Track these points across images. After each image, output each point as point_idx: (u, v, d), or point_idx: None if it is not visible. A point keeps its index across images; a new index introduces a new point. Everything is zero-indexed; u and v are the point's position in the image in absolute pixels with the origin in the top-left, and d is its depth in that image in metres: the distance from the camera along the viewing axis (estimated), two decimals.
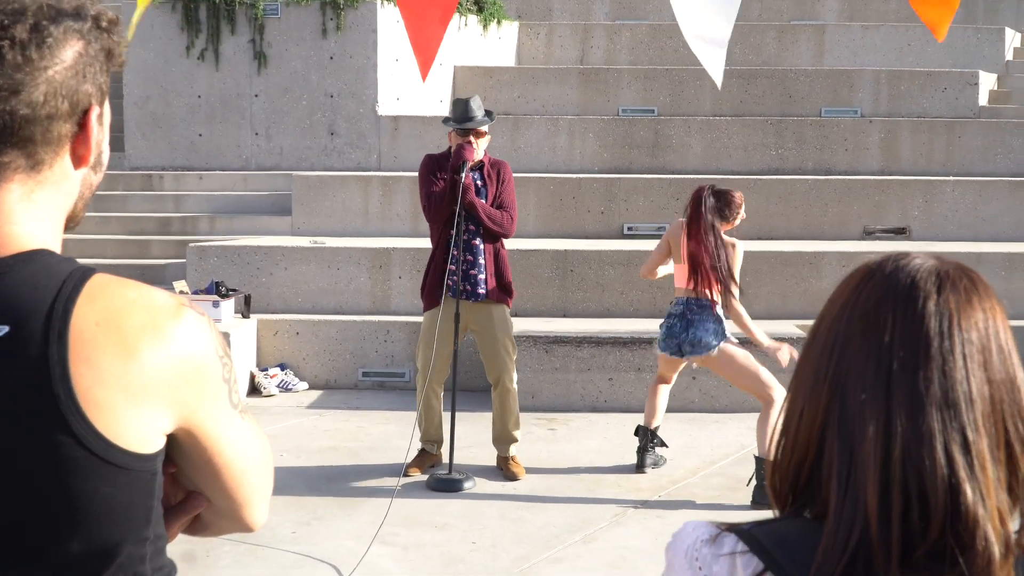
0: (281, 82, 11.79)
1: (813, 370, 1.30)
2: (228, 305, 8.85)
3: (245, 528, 1.63)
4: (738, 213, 6.35)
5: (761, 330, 6.38)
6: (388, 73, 11.83)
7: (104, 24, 1.48)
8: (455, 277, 6.46)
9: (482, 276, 6.55)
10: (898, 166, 11.29)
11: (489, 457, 6.86)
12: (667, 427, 6.95)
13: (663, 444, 6.82)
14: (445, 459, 6.67)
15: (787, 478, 1.31)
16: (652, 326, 8.40)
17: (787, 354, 6.22)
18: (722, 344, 6.28)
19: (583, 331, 8.45)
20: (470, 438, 7.18)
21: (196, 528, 1.63)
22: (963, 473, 1.19)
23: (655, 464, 6.81)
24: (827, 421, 1.27)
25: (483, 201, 6.52)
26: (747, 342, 6.52)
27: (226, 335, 8.22)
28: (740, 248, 6.34)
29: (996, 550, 1.19)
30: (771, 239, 10.13)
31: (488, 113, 6.61)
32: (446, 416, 6.68)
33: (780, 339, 7.75)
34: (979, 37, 13.95)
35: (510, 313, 6.75)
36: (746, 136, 11.34)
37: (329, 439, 7.50)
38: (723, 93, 12.20)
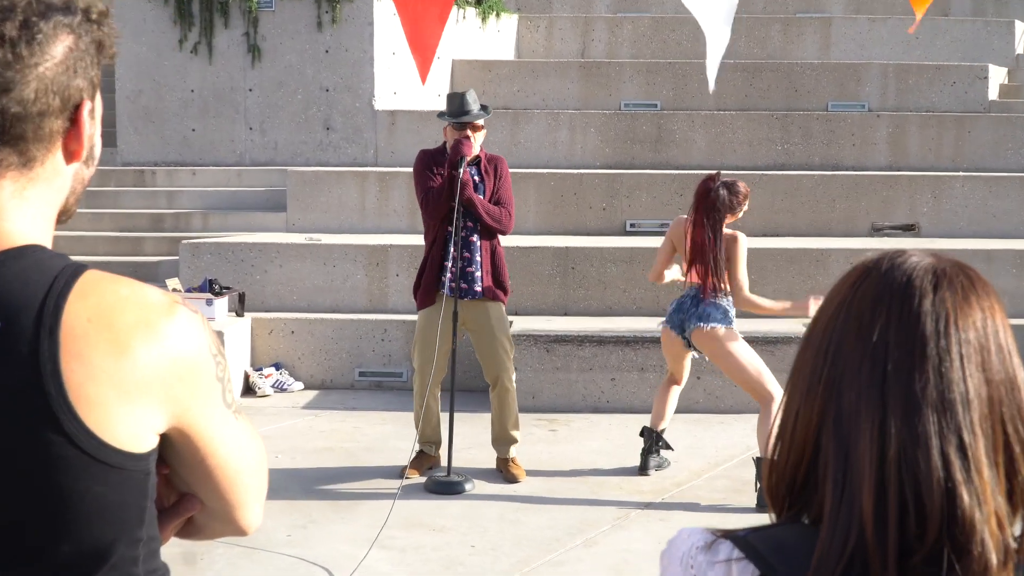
0: (276, 76, 11.79)
1: (809, 371, 1.30)
2: (222, 303, 8.85)
3: (239, 531, 1.63)
4: (744, 205, 6.36)
5: (777, 301, 6.35)
6: (385, 67, 11.84)
7: (94, 16, 1.48)
8: (452, 274, 6.46)
9: (479, 274, 6.55)
10: (906, 161, 11.29)
11: (488, 459, 6.86)
12: (671, 428, 6.95)
13: (668, 447, 6.82)
14: (444, 461, 6.67)
15: (783, 481, 1.31)
16: (655, 325, 8.39)
17: (813, 303, 6.16)
18: (727, 329, 6.26)
19: (585, 330, 8.45)
20: (469, 439, 7.19)
21: (189, 531, 1.63)
22: (959, 476, 1.19)
23: (659, 467, 6.82)
24: (822, 423, 1.26)
25: (481, 197, 6.53)
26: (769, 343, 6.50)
27: (220, 334, 8.22)
28: (743, 240, 6.32)
29: (993, 556, 1.18)
30: (777, 236, 10.13)
31: (483, 107, 6.62)
32: (444, 417, 6.69)
33: (786, 338, 7.75)
34: (988, 30, 13.95)
35: (506, 311, 6.76)
36: (751, 131, 11.34)
37: (325, 440, 7.50)
38: (728, 87, 12.19)
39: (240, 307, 9.03)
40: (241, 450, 1.56)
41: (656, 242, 9.57)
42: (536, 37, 14.10)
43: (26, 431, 1.35)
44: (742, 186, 6.35)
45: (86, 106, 1.48)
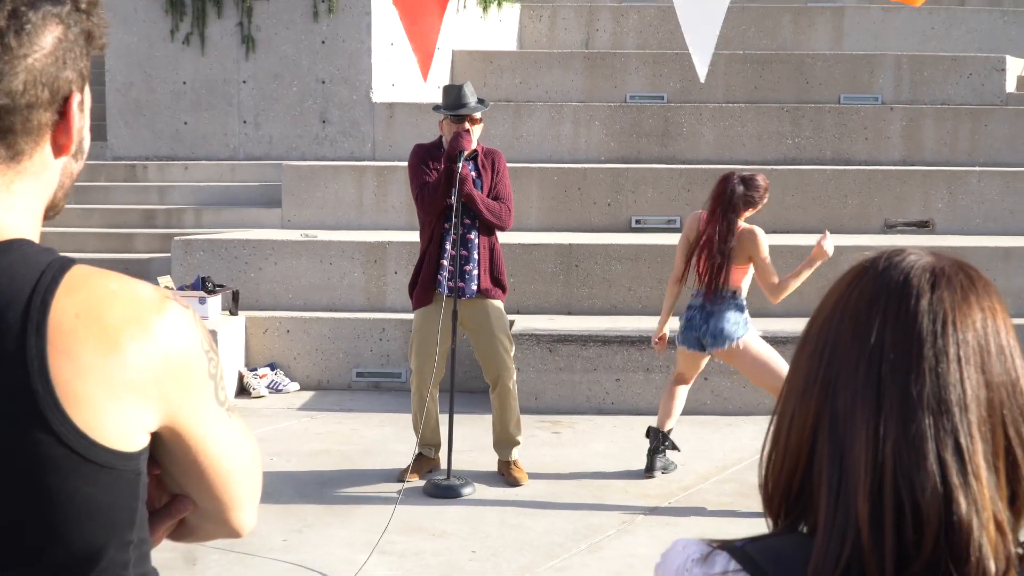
0: (270, 67, 11.80)
1: (804, 372, 1.30)
2: (215, 302, 8.86)
3: (232, 532, 1.63)
4: (765, 197, 6.40)
5: (799, 271, 6.31)
6: (383, 58, 11.84)
7: (83, 6, 1.48)
8: (449, 272, 6.46)
9: (477, 271, 6.56)
10: (921, 156, 11.29)
11: (489, 462, 6.87)
12: (678, 430, 6.96)
13: (675, 448, 6.83)
14: (443, 464, 6.68)
15: (779, 487, 1.30)
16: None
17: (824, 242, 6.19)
18: (745, 336, 6.27)
19: (589, 329, 8.46)
20: (469, 441, 7.19)
21: (181, 533, 1.63)
22: (956, 481, 1.18)
23: (665, 469, 6.82)
24: (817, 426, 1.26)
25: (481, 193, 6.53)
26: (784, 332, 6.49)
27: (213, 333, 8.23)
28: (761, 234, 6.33)
29: (991, 564, 1.18)
30: (787, 232, 10.13)
31: (481, 100, 6.63)
32: (444, 418, 6.69)
33: (796, 338, 7.75)
34: (1006, 20, 13.94)
35: (504, 309, 6.76)
36: (761, 124, 11.34)
37: (321, 443, 7.51)
38: (736, 79, 12.20)
39: (234, 306, 9.04)
40: (234, 449, 1.56)
41: (662, 239, 9.59)
42: (539, 27, 14.10)
43: (13, 430, 1.35)
44: (761, 178, 6.37)
45: (75, 98, 1.48)
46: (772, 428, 1.32)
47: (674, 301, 6.58)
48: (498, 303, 6.65)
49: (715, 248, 6.26)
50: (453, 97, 6.53)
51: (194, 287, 8.89)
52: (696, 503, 6.38)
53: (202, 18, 11.76)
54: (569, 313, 9.23)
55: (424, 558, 5.58)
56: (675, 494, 6.53)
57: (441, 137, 6.68)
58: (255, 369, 8.86)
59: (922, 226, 10.39)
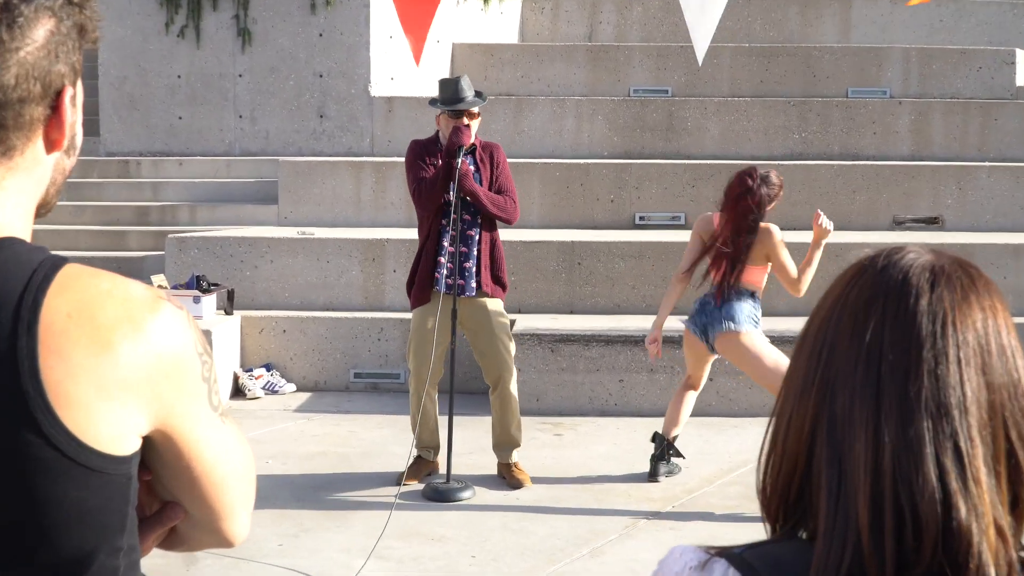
0: (267, 61, 11.79)
1: (802, 373, 1.29)
2: (210, 300, 8.86)
3: (225, 542, 1.62)
4: (780, 194, 6.42)
5: (809, 260, 6.37)
6: (381, 51, 11.84)
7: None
8: (448, 270, 6.45)
9: (476, 269, 6.55)
10: (930, 151, 11.28)
11: (489, 464, 6.87)
12: (682, 432, 6.95)
13: (679, 455, 6.82)
14: (442, 467, 6.67)
15: (777, 492, 1.30)
16: (666, 324, 8.40)
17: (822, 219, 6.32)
18: (751, 330, 6.27)
19: (591, 329, 8.45)
20: (469, 444, 7.19)
21: (172, 542, 1.63)
22: (955, 486, 1.18)
23: (669, 473, 6.82)
24: (816, 429, 1.26)
25: (484, 188, 6.53)
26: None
27: (207, 333, 8.23)
28: (777, 231, 6.38)
29: (992, 570, 1.17)
30: (794, 229, 10.10)
31: (478, 93, 6.62)
32: (443, 420, 6.68)
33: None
34: (1016, 13, 13.93)
35: (504, 308, 6.76)
36: (767, 118, 11.33)
37: (318, 445, 7.50)
38: (742, 72, 12.19)
39: (229, 305, 9.04)
40: (228, 455, 1.56)
41: (667, 236, 9.59)
42: (541, 19, 14.09)
43: (2, 432, 1.35)
44: (775, 175, 6.38)
45: (68, 93, 1.48)
46: (770, 430, 1.32)
47: (676, 300, 6.54)
48: (498, 302, 6.65)
49: (734, 247, 6.24)
50: (451, 91, 6.52)
51: (188, 286, 8.89)
52: (700, 507, 6.38)
53: (197, 10, 11.76)
54: (571, 312, 9.23)
55: (423, 563, 5.58)
56: (679, 497, 6.53)
57: (438, 132, 6.67)
58: (250, 370, 8.86)
59: (931, 222, 10.38)
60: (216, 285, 9.08)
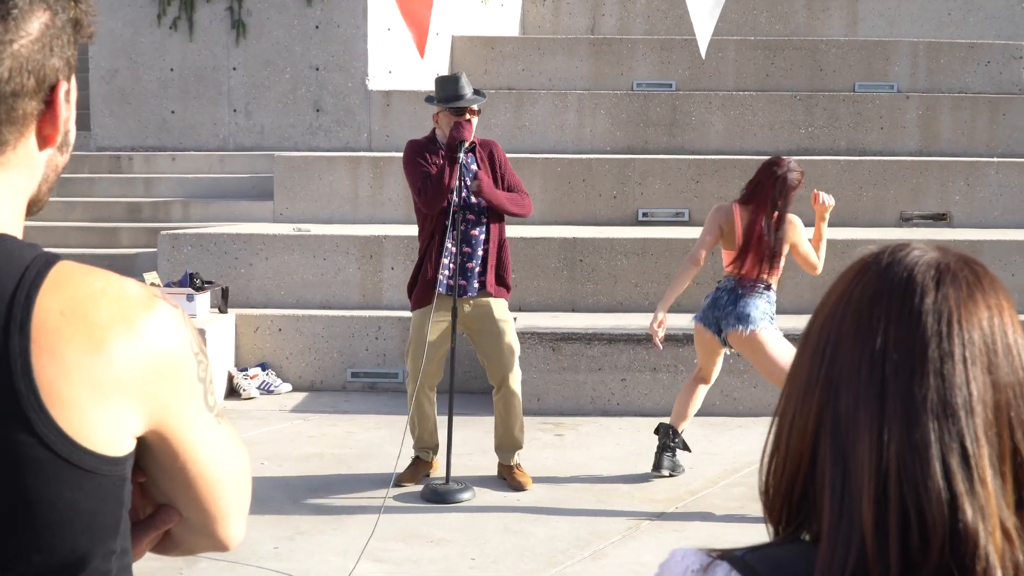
0: (262, 54, 11.80)
1: (806, 373, 1.29)
2: (204, 299, 8.86)
3: (220, 545, 1.62)
4: (802, 184, 6.48)
5: (817, 238, 6.53)
6: (379, 44, 11.84)
7: None
8: (447, 272, 6.44)
9: (481, 269, 6.55)
10: (938, 146, 11.29)
11: (489, 465, 6.87)
12: (686, 432, 6.96)
13: (686, 448, 6.82)
14: (442, 468, 6.68)
15: (780, 492, 1.30)
16: (669, 322, 8.38)
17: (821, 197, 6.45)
18: (765, 328, 6.28)
19: (593, 327, 8.46)
20: (468, 444, 7.20)
21: (166, 546, 1.62)
22: (961, 487, 1.18)
23: (673, 470, 6.82)
24: (819, 430, 1.26)
25: (499, 189, 6.54)
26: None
27: (202, 332, 8.24)
28: (799, 221, 6.45)
29: (998, 573, 1.18)
30: None
31: (476, 90, 6.64)
32: (442, 420, 6.69)
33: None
34: None
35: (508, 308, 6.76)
36: (772, 113, 11.34)
37: (314, 446, 7.51)
38: (748, 66, 12.20)
39: (223, 303, 9.05)
40: (224, 456, 1.56)
41: (670, 232, 9.59)
42: (542, 12, 14.09)
43: None
44: (796, 165, 6.44)
45: (62, 87, 1.48)
46: (772, 431, 1.32)
47: (685, 285, 6.51)
48: (502, 302, 6.65)
49: (775, 240, 6.28)
50: (452, 89, 6.52)
51: (182, 283, 8.89)
52: (704, 508, 6.38)
53: (190, 2, 11.76)
54: (573, 310, 9.24)
55: (422, 566, 5.59)
56: (682, 498, 6.53)
57: (434, 131, 6.67)
58: (245, 369, 8.87)
59: (939, 219, 10.39)
60: (210, 283, 9.08)
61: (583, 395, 8.29)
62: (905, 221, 10.39)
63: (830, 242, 9.13)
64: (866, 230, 9.94)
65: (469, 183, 6.51)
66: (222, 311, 9.02)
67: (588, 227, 10.05)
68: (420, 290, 6.55)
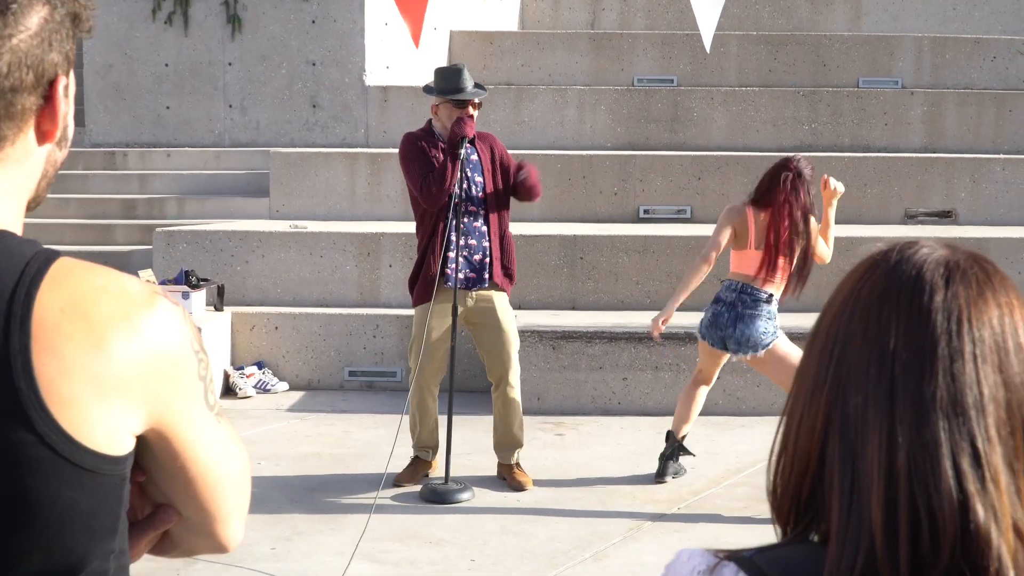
0: (257, 49, 11.79)
1: (814, 372, 1.29)
2: (199, 297, 8.87)
3: (219, 546, 1.63)
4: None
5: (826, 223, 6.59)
6: (376, 39, 11.84)
7: None
8: (453, 265, 6.44)
9: (486, 261, 6.54)
10: (943, 142, 11.30)
11: (489, 465, 6.88)
12: (689, 434, 6.96)
13: (689, 453, 6.84)
14: (441, 468, 6.68)
15: (788, 494, 1.30)
16: (671, 320, 8.39)
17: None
18: (773, 343, 6.28)
19: (594, 325, 8.46)
20: (468, 444, 7.20)
21: (165, 547, 1.62)
22: (973, 487, 1.18)
23: (676, 473, 6.83)
24: (828, 429, 1.26)
25: (529, 169, 6.58)
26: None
27: (198, 330, 8.22)
28: (814, 220, 6.50)
29: (1011, 573, 1.18)
30: None
31: (477, 84, 6.64)
32: (441, 420, 6.68)
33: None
34: None
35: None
36: (775, 109, 11.34)
37: (311, 445, 7.51)
38: (750, 61, 12.20)
39: (219, 301, 9.05)
40: (224, 456, 1.56)
41: (672, 230, 9.60)
42: (542, 6, 14.09)
43: None
44: (806, 161, 6.47)
45: (61, 82, 1.48)
46: (780, 430, 1.32)
47: (696, 285, 6.49)
48: (505, 296, 6.65)
49: (807, 242, 6.29)
50: (454, 81, 6.51)
51: (177, 281, 8.89)
52: (707, 509, 6.39)
53: None
54: (573, 308, 9.24)
55: (420, 567, 5.59)
56: (685, 499, 6.54)
57: (430, 122, 6.66)
58: (241, 368, 8.87)
59: (944, 216, 10.40)
60: (205, 280, 9.08)
61: (584, 394, 8.30)
62: (910, 218, 10.39)
63: (835, 239, 9.16)
64: (870, 227, 9.95)
65: (520, 177, 6.52)
66: (218, 309, 9.03)
67: (588, 224, 10.06)
68: (422, 286, 6.53)
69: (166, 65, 11.87)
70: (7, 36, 1.41)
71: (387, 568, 5.56)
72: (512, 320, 6.67)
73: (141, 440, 1.46)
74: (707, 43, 4.67)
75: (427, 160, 6.41)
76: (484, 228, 6.55)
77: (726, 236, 6.45)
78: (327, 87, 11.74)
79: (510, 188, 6.64)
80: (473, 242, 6.52)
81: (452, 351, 6.51)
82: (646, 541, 5.94)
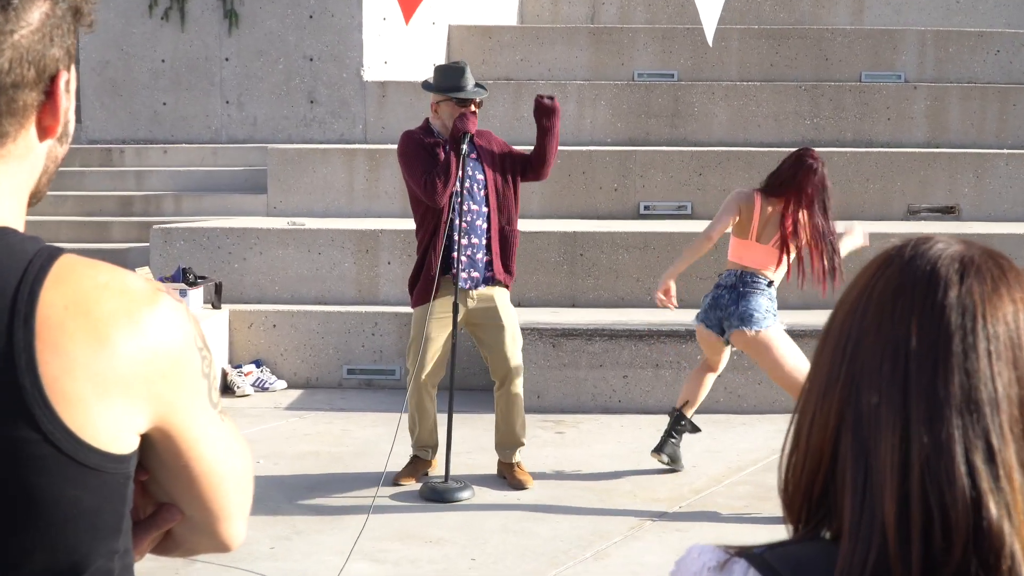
0: (254, 44, 11.79)
1: (827, 369, 1.30)
2: (196, 294, 8.87)
3: (222, 546, 1.63)
4: None
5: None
6: (374, 34, 11.83)
7: None
8: (459, 264, 6.43)
9: (487, 258, 6.54)
10: (946, 137, 11.30)
11: (489, 464, 6.88)
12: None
13: (696, 429, 6.82)
14: (440, 467, 6.68)
15: (799, 491, 1.31)
16: (671, 317, 8.41)
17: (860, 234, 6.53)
18: (769, 328, 6.28)
19: (594, 323, 8.46)
20: (467, 442, 7.21)
21: (167, 546, 1.63)
22: (986, 485, 1.18)
23: (674, 458, 6.79)
24: (841, 426, 1.26)
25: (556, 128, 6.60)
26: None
27: None
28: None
29: None
30: None
31: (477, 83, 6.64)
32: (441, 418, 6.69)
33: (817, 332, 7.80)
34: None
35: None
36: (777, 104, 11.34)
37: (310, 444, 7.52)
38: (752, 55, 12.19)
39: (217, 298, 9.05)
40: (227, 454, 1.56)
41: (672, 226, 9.60)
42: (541, 0, 14.08)
43: None
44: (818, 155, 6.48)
45: (62, 78, 1.49)
46: (793, 427, 1.32)
47: (694, 260, 6.53)
48: (506, 293, 6.65)
49: (825, 243, 6.26)
50: (457, 79, 6.51)
51: (174, 279, 8.90)
52: (708, 507, 6.39)
53: None
54: (573, 306, 9.24)
55: (420, 566, 5.60)
56: (686, 497, 6.54)
57: (427, 120, 6.66)
58: (239, 366, 8.87)
59: (947, 212, 10.40)
60: (203, 278, 9.09)
61: (584, 392, 8.30)
62: (913, 214, 10.40)
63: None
64: (872, 223, 9.91)
65: (547, 102, 6.57)
66: (215, 307, 9.03)
67: (588, 220, 10.06)
68: (423, 287, 6.51)
69: (162, 61, 11.87)
70: (8, 32, 1.42)
71: (387, 567, 5.56)
72: (514, 318, 6.67)
73: (145, 438, 1.47)
74: (709, 36, 4.67)
75: (428, 157, 6.41)
76: (485, 225, 6.55)
77: (730, 218, 6.43)
78: (325, 83, 11.74)
79: (518, 179, 6.65)
80: (476, 240, 6.52)
81: (453, 349, 6.51)
82: (647, 540, 5.95)
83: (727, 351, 6.65)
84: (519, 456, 6.75)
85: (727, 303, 6.34)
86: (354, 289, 9.40)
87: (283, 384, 8.91)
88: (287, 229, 9.49)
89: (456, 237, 6.41)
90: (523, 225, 9.25)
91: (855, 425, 1.25)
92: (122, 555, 1.47)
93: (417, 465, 6.77)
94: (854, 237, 6.64)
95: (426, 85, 6.71)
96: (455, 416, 6.62)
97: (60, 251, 1.43)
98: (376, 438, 7.57)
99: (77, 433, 1.37)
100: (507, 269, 6.64)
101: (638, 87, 11.59)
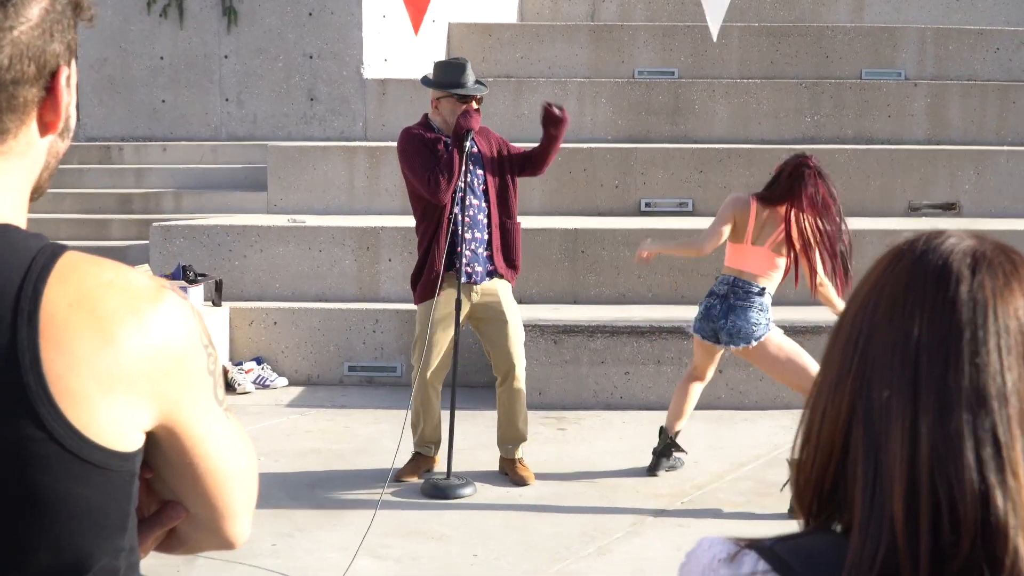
0: (254, 41, 11.78)
1: (838, 363, 1.29)
2: (197, 292, 8.87)
3: (226, 543, 1.62)
4: None
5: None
6: (374, 31, 11.83)
7: None
8: (463, 260, 6.43)
9: (489, 253, 6.54)
10: (947, 134, 11.29)
11: (491, 460, 6.88)
12: (690, 426, 6.97)
13: (681, 450, 6.83)
14: (442, 463, 6.68)
15: (810, 484, 1.30)
16: (673, 313, 8.41)
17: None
18: (765, 336, 6.27)
19: (596, 319, 8.46)
20: (469, 439, 7.20)
21: (171, 544, 1.62)
22: (993, 479, 1.18)
23: (672, 467, 6.83)
24: (851, 421, 1.26)
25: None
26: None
27: None
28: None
29: None
30: None
31: (477, 80, 6.64)
32: (443, 415, 6.68)
33: (817, 328, 7.78)
34: None
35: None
36: (777, 101, 11.34)
37: (312, 441, 7.52)
38: (752, 53, 12.19)
39: (217, 296, 9.05)
40: (232, 451, 1.56)
41: (673, 223, 9.60)
42: None
43: (2, 426, 1.35)
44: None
45: (63, 73, 1.48)
46: (804, 422, 1.32)
47: (680, 254, 6.60)
48: (509, 288, 6.64)
49: (837, 248, 6.19)
50: (458, 75, 6.50)
51: (174, 276, 8.89)
52: (710, 503, 6.39)
53: None
54: (575, 302, 9.24)
55: (422, 563, 5.59)
56: (688, 494, 6.54)
57: (426, 116, 6.65)
58: (240, 363, 8.87)
59: (948, 208, 10.40)
60: (203, 276, 9.08)
61: (585, 388, 8.30)
62: (913, 211, 10.39)
63: None
64: (873, 220, 9.93)
65: (557, 112, 6.54)
66: (216, 304, 9.02)
67: (590, 217, 10.05)
68: (425, 283, 6.50)
69: (161, 58, 11.86)
70: (8, 28, 1.41)
71: (389, 564, 5.56)
72: (517, 313, 6.66)
73: (150, 436, 1.46)
74: (714, 32, 4.66)
75: (429, 153, 6.40)
76: (486, 221, 6.56)
77: (727, 229, 6.40)
78: (324, 80, 11.73)
79: (515, 174, 6.64)
80: (478, 235, 6.52)
81: (455, 346, 6.50)
82: (649, 536, 5.94)
83: (718, 359, 6.66)
84: (521, 452, 6.75)
85: (718, 315, 6.32)
86: (355, 286, 9.39)
87: (284, 381, 8.91)
88: (287, 226, 9.48)
89: (460, 232, 6.40)
90: (525, 222, 9.25)
91: (866, 419, 1.25)
92: (127, 553, 1.46)
93: (419, 462, 6.76)
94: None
95: (426, 81, 6.70)
96: (457, 413, 6.61)
97: (63, 248, 1.42)
98: (378, 435, 7.57)
99: (82, 431, 1.37)
100: (510, 263, 6.63)
101: (638, 84, 11.58)
